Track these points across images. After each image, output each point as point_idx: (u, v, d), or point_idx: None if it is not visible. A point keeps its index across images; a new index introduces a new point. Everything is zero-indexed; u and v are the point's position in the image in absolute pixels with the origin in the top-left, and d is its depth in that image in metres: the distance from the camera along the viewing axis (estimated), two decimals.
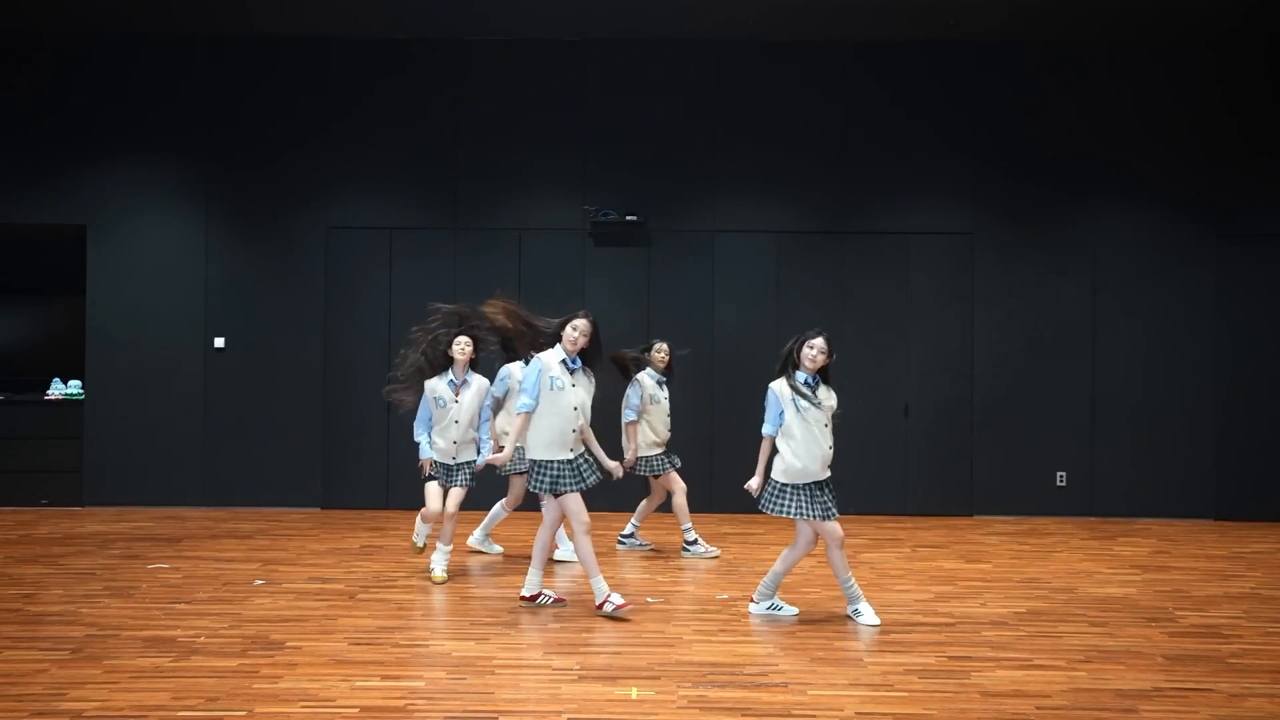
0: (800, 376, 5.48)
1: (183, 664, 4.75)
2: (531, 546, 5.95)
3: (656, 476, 7.42)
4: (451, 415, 6.45)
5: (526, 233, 9.32)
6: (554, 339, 5.74)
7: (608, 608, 5.59)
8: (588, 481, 5.69)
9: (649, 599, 6.09)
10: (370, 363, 9.10)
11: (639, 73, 9.33)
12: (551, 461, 5.62)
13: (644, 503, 7.63)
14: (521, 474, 6.87)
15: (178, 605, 5.80)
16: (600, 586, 5.63)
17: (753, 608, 5.76)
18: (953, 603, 6.05)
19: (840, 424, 5.62)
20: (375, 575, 6.63)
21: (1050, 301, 9.23)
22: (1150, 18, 8.69)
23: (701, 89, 9.32)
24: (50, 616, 5.56)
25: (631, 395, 7.35)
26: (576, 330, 5.67)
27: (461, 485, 6.50)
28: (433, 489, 6.49)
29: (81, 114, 9.24)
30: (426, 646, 5.11)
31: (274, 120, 9.31)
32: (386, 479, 9.21)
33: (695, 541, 7.35)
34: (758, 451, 5.59)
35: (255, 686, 4.46)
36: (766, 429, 5.56)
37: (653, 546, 7.64)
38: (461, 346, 6.45)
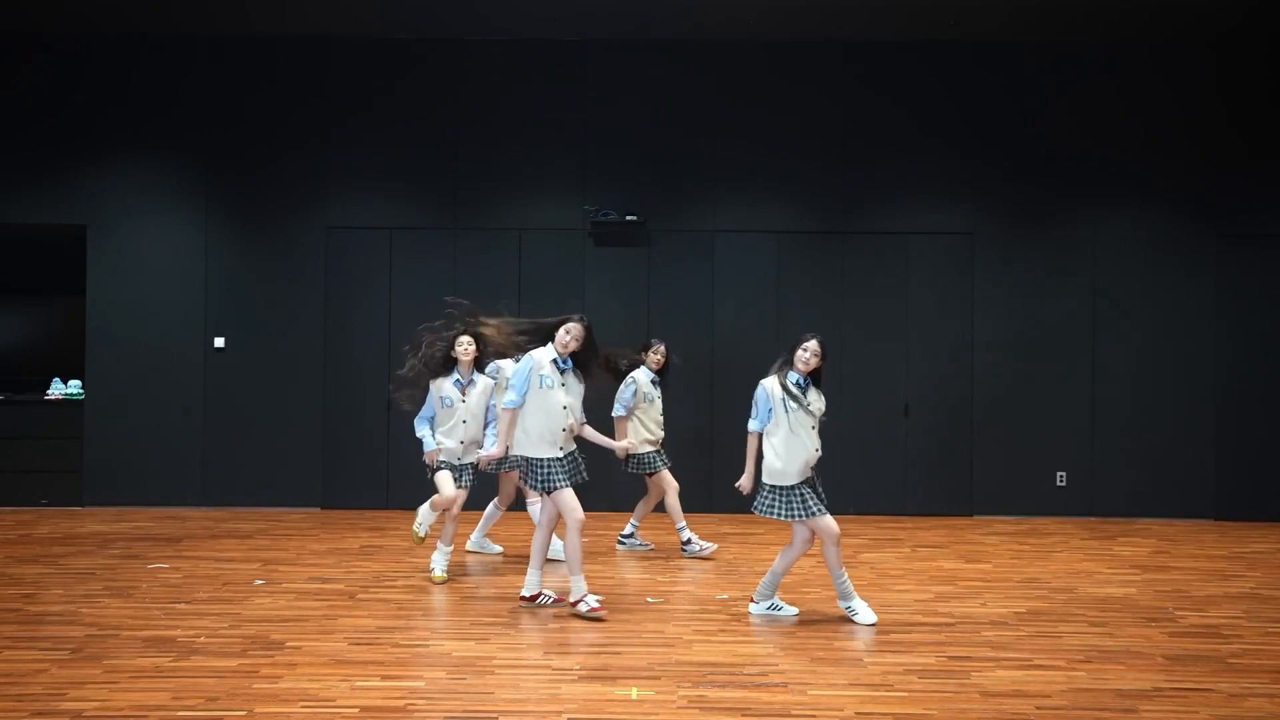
0: (792, 377, 5.53)
1: (183, 664, 4.75)
2: (530, 546, 5.95)
3: (649, 474, 7.44)
4: (459, 415, 6.46)
5: (526, 233, 9.32)
6: (547, 337, 5.75)
7: (582, 607, 5.59)
8: (580, 477, 5.71)
9: (649, 599, 6.09)
10: (370, 363, 9.12)
11: (639, 73, 9.33)
12: (542, 459, 5.63)
13: (641, 502, 7.65)
14: (510, 471, 6.88)
15: (178, 605, 5.80)
16: (579, 585, 5.63)
17: (752, 608, 5.76)
18: (953, 603, 6.06)
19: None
20: (375, 575, 6.63)
21: (1050, 302, 9.22)
22: (1150, 18, 8.69)
23: (701, 89, 9.32)
24: (50, 616, 5.56)
25: (624, 392, 7.38)
26: (569, 334, 5.67)
27: (464, 485, 6.50)
28: (445, 477, 6.46)
29: (81, 114, 9.24)
30: (426, 646, 5.11)
31: (274, 120, 9.31)
32: (386, 479, 9.21)
33: (689, 541, 7.36)
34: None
35: (255, 686, 4.46)
36: (753, 425, 5.61)
37: (653, 546, 7.65)
38: (464, 346, 6.45)
